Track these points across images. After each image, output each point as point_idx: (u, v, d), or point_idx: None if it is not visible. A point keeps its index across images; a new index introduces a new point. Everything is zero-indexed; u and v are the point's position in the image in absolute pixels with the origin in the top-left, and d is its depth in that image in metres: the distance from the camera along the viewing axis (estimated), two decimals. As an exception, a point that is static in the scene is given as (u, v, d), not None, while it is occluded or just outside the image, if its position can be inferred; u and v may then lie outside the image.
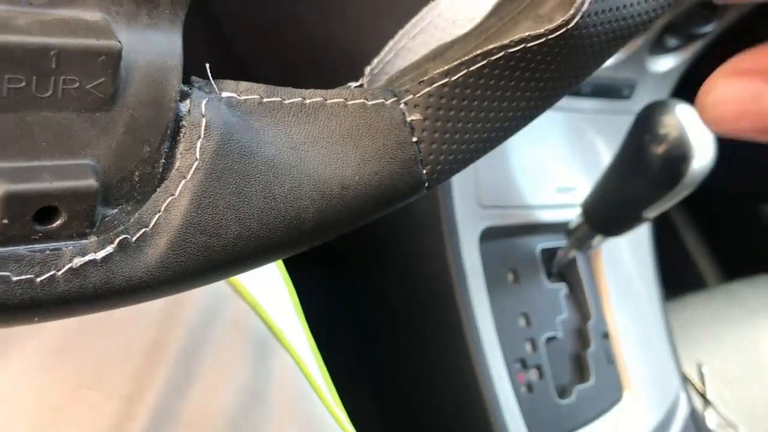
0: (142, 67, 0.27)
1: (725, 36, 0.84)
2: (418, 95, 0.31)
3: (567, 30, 0.31)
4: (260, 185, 0.30)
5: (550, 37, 0.31)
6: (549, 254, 0.78)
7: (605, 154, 0.82)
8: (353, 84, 0.35)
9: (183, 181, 0.28)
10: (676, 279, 1.55)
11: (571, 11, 0.31)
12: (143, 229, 0.28)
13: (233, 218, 0.29)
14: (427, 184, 0.33)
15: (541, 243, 0.78)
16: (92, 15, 0.26)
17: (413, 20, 0.36)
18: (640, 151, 0.65)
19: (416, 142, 0.32)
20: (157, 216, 0.28)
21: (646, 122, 0.65)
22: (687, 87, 0.89)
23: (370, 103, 0.31)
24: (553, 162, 0.79)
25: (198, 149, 0.28)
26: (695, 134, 0.64)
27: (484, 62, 0.31)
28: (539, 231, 0.78)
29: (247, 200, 0.29)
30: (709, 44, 0.85)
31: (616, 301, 0.81)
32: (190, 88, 0.29)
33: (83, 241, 0.27)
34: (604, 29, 0.33)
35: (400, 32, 0.36)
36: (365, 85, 0.35)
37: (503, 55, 0.31)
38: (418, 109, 0.32)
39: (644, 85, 0.84)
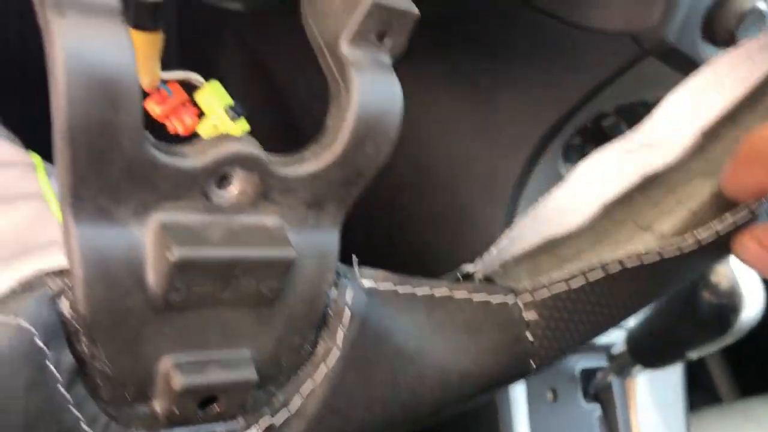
0: (306, 266, 0.29)
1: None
2: (537, 298, 0.34)
3: (681, 252, 0.33)
4: (388, 372, 0.32)
5: (664, 256, 0.33)
6: (588, 374, 0.80)
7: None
8: (469, 267, 0.37)
9: (323, 368, 0.31)
10: (690, 386, 1.55)
11: (689, 241, 0.33)
12: (287, 415, 0.30)
13: (362, 403, 0.32)
14: (534, 370, 0.35)
15: (582, 363, 0.80)
16: (271, 220, 0.28)
17: (528, 210, 0.38)
18: (691, 294, 0.68)
19: (531, 339, 0.34)
20: (300, 402, 0.30)
21: (700, 268, 0.67)
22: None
23: (492, 300, 0.34)
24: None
25: (339, 338, 0.31)
26: (747, 285, 0.66)
27: (603, 275, 0.34)
28: (581, 350, 0.80)
29: (375, 386, 0.32)
30: None
31: (645, 430, 0.82)
32: (338, 277, 0.31)
33: (233, 423, 0.29)
34: (718, 244, 0.35)
35: (516, 221, 0.38)
36: (480, 269, 0.37)
37: (621, 269, 0.33)
38: (535, 309, 0.34)
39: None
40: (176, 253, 0.24)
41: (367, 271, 0.32)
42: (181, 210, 0.25)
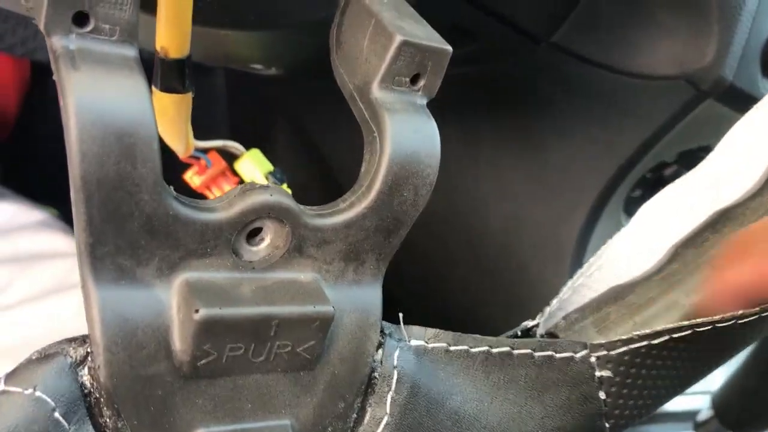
0: (347, 325, 0.27)
1: None
2: (612, 352, 0.31)
3: None
4: None
5: (764, 315, 0.30)
6: (673, 445, 0.74)
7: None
8: (530, 323, 0.34)
9: None
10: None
11: None
12: None
13: None
14: (607, 434, 0.32)
15: (666, 432, 0.74)
16: (306, 276, 0.26)
17: (591, 260, 0.36)
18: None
19: (604, 397, 0.31)
20: None
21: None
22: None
23: (558, 355, 0.31)
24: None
25: (388, 403, 0.28)
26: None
27: (690, 332, 0.30)
28: (664, 420, 0.74)
29: None
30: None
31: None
32: (383, 336, 0.29)
33: None
34: None
35: (579, 271, 0.35)
36: (541, 324, 0.35)
37: (711, 328, 0.30)
38: (610, 365, 0.31)
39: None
40: (202, 314, 0.22)
41: (417, 329, 0.30)
42: (209, 267, 0.24)
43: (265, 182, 0.42)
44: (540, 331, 0.35)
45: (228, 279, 0.24)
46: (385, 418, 0.28)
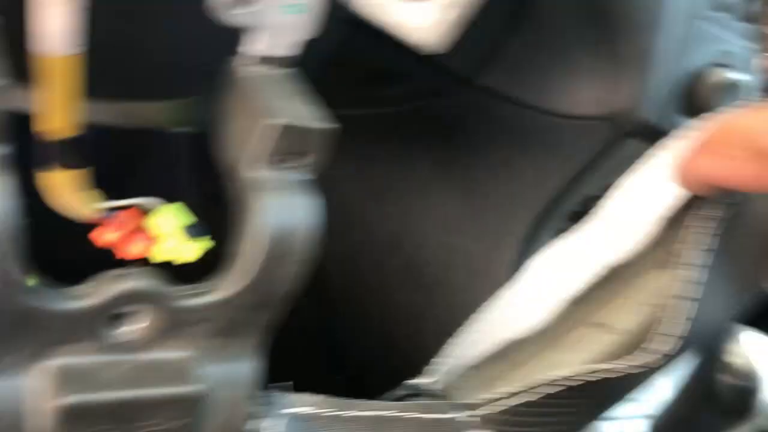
0: (221, 399, 0.28)
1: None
2: (493, 411, 0.32)
3: (649, 369, 0.31)
4: None
5: (632, 372, 0.31)
6: (612, 469, 0.75)
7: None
8: (419, 380, 0.35)
9: None
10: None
11: (657, 357, 0.31)
12: None
13: None
14: (496, 493, 0.33)
15: (604, 456, 0.75)
16: (179, 354, 0.27)
17: (480, 315, 0.37)
18: (708, 378, 0.64)
19: None
20: None
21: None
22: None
23: (444, 417, 0.32)
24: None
25: None
26: (763, 364, 0.62)
27: (563, 387, 0.31)
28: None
29: None
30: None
31: None
32: (266, 406, 0.30)
33: None
34: (686, 348, 0.33)
35: (467, 328, 0.36)
36: (430, 381, 0.35)
37: (584, 382, 0.31)
38: (491, 425, 0.32)
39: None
40: (65, 401, 0.23)
41: (307, 397, 0.31)
42: (77, 353, 0.24)
43: (181, 236, 0.42)
44: (433, 387, 0.35)
45: (97, 363, 0.25)
46: None
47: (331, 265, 0.80)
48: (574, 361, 0.32)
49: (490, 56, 0.54)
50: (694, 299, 0.32)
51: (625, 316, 0.35)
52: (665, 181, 0.37)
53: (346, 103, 0.66)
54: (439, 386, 0.35)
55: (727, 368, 0.63)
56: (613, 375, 0.31)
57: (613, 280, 0.36)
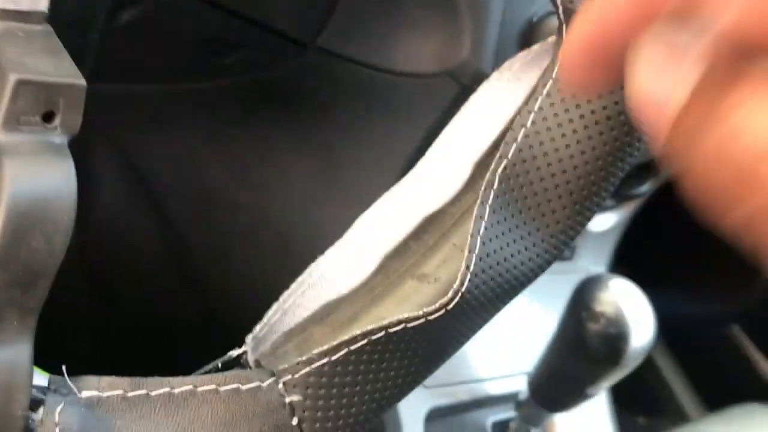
0: None
1: (662, 191, 0.85)
2: (297, 375, 0.30)
3: (446, 311, 0.30)
4: None
5: (430, 318, 0.30)
6: (501, 427, 0.75)
7: (550, 318, 0.81)
8: (235, 351, 0.33)
9: None
10: (653, 403, 1.51)
11: (449, 295, 0.30)
12: None
13: None
14: (313, 460, 0.31)
15: (492, 416, 0.75)
16: None
17: (300, 278, 0.35)
18: (578, 329, 0.64)
19: (297, 423, 0.30)
20: None
21: (581, 300, 0.64)
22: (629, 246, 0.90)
23: (244, 387, 0.30)
24: (497, 329, 0.78)
25: None
26: (632, 311, 0.63)
27: (365, 341, 0.30)
28: (489, 404, 0.75)
29: None
30: (647, 199, 0.86)
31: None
32: (45, 393, 0.27)
33: None
34: (486, 299, 0.32)
35: (287, 292, 0.35)
36: (249, 351, 0.34)
37: (384, 335, 0.30)
38: (297, 389, 0.30)
39: (584, 244, 0.84)
40: None
41: (90, 379, 0.28)
42: None
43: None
44: (249, 358, 0.33)
45: None
46: None
47: (199, 245, 0.77)
48: (397, 316, 0.30)
49: (323, 17, 0.53)
50: (481, 236, 0.31)
51: (444, 264, 0.34)
52: (476, 127, 0.37)
53: (188, 75, 0.63)
54: (254, 356, 0.33)
55: (597, 317, 0.63)
56: (414, 323, 0.29)
57: (432, 230, 0.35)
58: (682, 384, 1.61)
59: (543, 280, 0.83)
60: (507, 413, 0.76)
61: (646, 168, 0.81)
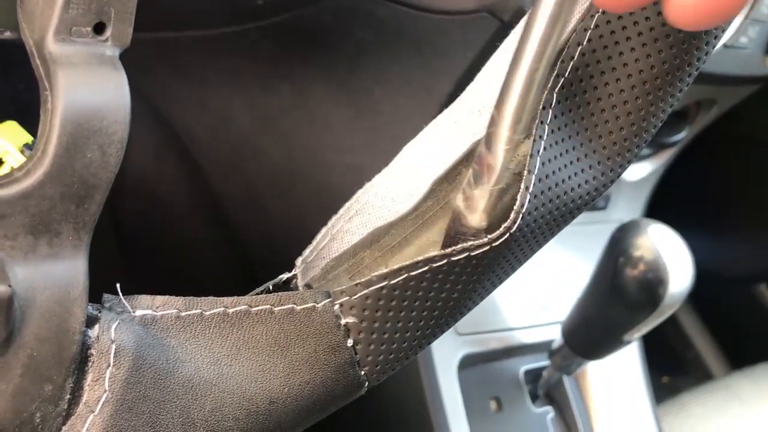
0: (41, 303, 0.25)
1: (697, 141, 0.84)
2: (354, 297, 0.29)
3: (509, 236, 0.29)
4: (177, 411, 0.27)
5: (494, 244, 0.29)
6: (534, 375, 0.75)
7: (584, 268, 0.80)
8: (286, 275, 0.33)
9: (91, 416, 0.26)
10: (676, 363, 1.51)
11: (512, 216, 0.29)
12: None
13: None
14: (367, 384, 0.31)
15: (525, 365, 0.75)
16: None
17: (347, 203, 0.34)
18: (615, 274, 0.63)
19: (353, 344, 0.30)
20: None
21: (619, 245, 0.64)
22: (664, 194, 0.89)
23: (299, 307, 0.29)
24: (530, 279, 0.77)
25: (107, 379, 0.26)
26: (671, 256, 0.62)
27: (426, 268, 0.29)
28: (521, 352, 0.75)
29: (164, 429, 0.27)
30: (681, 150, 0.84)
31: (607, 422, 0.77)
32: (100, 311, 0.27)
33: None
34: (545, 221, 0.31)
35: (335, 217, 0.34)
36: (299, 275, 0.33)
37: (446, 262, 0.29)
38: (354, 311, 0.30)
39: (619, 194, 0.83)
40: None
41: (144, 298, 0.28)
42: None
43: (19, 155, 0.39)
44: (299, 282, 0.33)
45: None
46: (105, 395, 0.26)
47: (230, 197, 0.77)
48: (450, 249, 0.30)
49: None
50: (539, 156, 0.30)
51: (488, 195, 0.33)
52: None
53: (219, 20, 0.62)
54: (304, 280, 0.33)
55: (635, 261, 0.63)
56: (477, 251, 0.29)
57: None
58: (706, 342, 1.60)
59: (577, 229, 0.83)
60: (540, 362, 0.76)
61: (682, 115, 0.80)
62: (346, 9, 0.56)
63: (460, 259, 0.30)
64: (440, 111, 0.59)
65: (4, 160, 0.39)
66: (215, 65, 0.69)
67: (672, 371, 1.47)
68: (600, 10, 0.32)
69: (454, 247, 0.29)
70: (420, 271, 0.29)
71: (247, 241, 0.77)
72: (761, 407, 1.11)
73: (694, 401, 1.11)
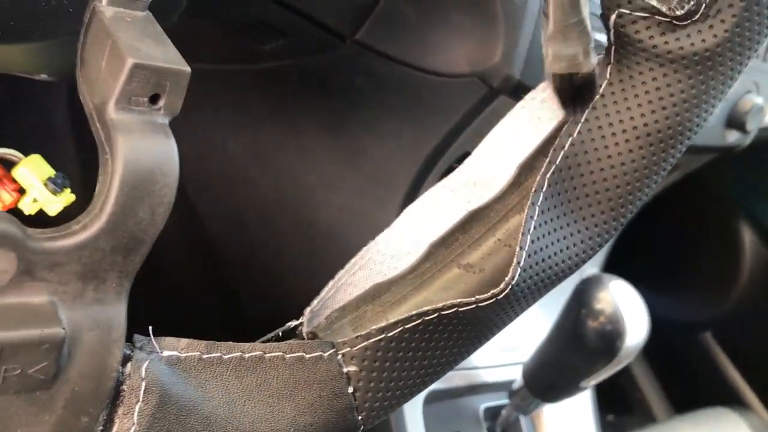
0: (86, 343, 0.28)
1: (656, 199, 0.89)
2: (355, 348, 0.33)
3: (495, 300, 0.33)
4: None
5: (481, 304, 0.33)
6: (493, 413, 0.79)
7: (548, 313, 0.85)
8: (294, 322, 0.36)
9: None
10: (622, 402, 1.56)
11: (501, 286, 0.33)
12: None
13: None
14: (362, 428, 0.34)
15: (485, 402, 0.79)
16: (39, 298, 0.27)
17: (353, 259, 0.38)
18: (577, 324, 0.68)
19: (352, 391, 0.33)
20: None
21: (582, 297, 0.68)
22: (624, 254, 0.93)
23: (308, 356, 0.33)
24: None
25: (136, 413, 0.29)
26: (629, 310, 0.67)
27: (419, 321, 0.33)
28: (483, 390, 0.79)
29: None
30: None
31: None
32: (132, 350, 0.30)
33: None
34: (532, 291, 0.35)
35: (341, 271, 0.38)
36: (305, 323, 0.37)
37: (437, 316, 0.33)
38: (354, 361, 0.33)
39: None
40: None
41: (170, 340, 0.31)
42: None
43: (43, 188, 0.41)
44: (305, 330, 0.36)
45: None
46: (133, 428, 0.29)
47: (216, 222, 0.80)
48: (443, 301, 0.33)
49: (365, 13, 0.55)
50: (530, 234, 0.34)
51: (488, 257, 0.37)
52: (521, 134, 0.40)
53: (224, 57, 0.65)
54: (309, 328, 0.36)
55: (595, 313, 0.67)
56: (465, 308, 0.33)
57: (478, 225, 0.38)
58: (652, 385, 1.66)
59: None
60: (500, 400, 0.79)
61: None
62: (347, 61, 0.59)
63: (449, 314, 0.33)
64: (425, 163, 0.63)
65: (28, 190, 0.42)
66: (215, 98, 0.72)
67: (617, 410, 1.52)
68: (590, 106, 0.37)
69: (444, 303, 0.33)
70: (414, 324, 0.33)
71: (228, 261, 0.80)
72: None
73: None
